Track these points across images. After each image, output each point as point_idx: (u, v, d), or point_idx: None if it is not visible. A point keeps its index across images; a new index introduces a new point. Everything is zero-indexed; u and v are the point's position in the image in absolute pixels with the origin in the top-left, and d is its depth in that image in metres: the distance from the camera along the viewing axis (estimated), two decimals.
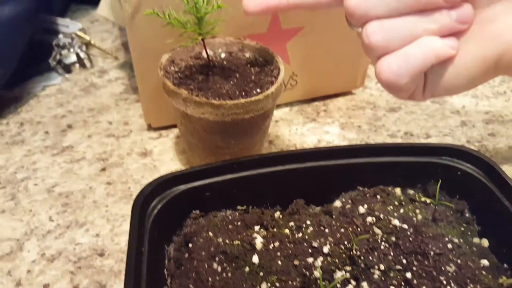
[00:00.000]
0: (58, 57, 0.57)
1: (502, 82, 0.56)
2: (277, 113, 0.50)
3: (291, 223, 0.33)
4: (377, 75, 0.27)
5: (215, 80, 0.37)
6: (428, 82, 0.28)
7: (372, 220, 0.33)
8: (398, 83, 0.26)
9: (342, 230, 0.32)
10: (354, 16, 0.26)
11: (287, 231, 0.32)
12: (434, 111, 0.51)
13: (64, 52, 0.57)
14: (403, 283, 0.29)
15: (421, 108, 0.51)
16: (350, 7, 0.26)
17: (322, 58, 0.48)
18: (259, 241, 0.31)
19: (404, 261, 0.30)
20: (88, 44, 0.60)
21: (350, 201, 0.35)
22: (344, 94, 0.53)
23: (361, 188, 0.36)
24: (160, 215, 0.31)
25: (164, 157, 0.44)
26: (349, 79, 0.52)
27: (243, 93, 0.36)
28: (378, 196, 0.35)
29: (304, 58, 0.48)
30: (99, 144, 0.46)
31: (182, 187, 0.32)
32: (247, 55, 0.41)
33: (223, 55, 0.40)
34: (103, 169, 0.43)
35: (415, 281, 0.29)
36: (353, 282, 0.29)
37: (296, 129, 0.48)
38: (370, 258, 0.30)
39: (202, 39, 0.35)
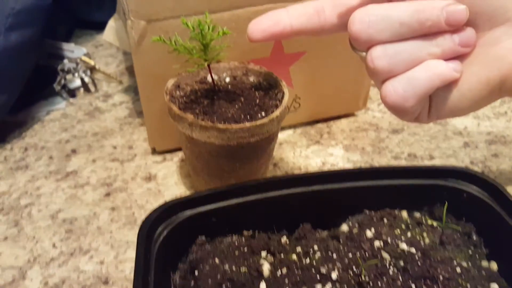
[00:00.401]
0: (62, 81, 0.57)
1: (502, 103, 0.56)
2: (281, 136, 0.50)
3: (298, 248, 0.33)
4: (383, 99, 0.27)
5: (220, 104, 0.37)
6: (433, 104, 0.28)
7: (380, 244, 0.33)
8: (404, 106, 0.26)
9: (350, 255, 0.32)
10: (358, 41, 0.26)
11: (294, 256, 0.32)
12: (436, 133, 0.51)
13: (69, 77, 0.57)
14: None
15: (423, 130, 0.51)
16: (354, 32, 0.26)
17: (325, 81, 0.49)
18: (266, 268, 0.30)
19: (413, 286, 0.30)
20: (92, 69, 0.61)
21: (357, 225, 0.34)
22: (346, 116, 0.54)
23: (367, 212, 0.35)
24: (165, 242, 0.31)
25: (169, 181, 0.44)
26: (351, 101, 0.52)
27: (248, 117, 0.36)
28: (385, 220, 0.35)
29: (307, 81, 0.48)
30: (104, 169, 0.46)
31: (188, 212, 0.32)
32: (252, 79, 0.41)
33: (227, 80, 0.41)
34: (107, 194, 0.43)
35: None
36: None
37: (300, 152, 0.48)
38: (379, 284, 0.30)
39: (208, 65, 0.36)
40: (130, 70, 0.63)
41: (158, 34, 0.38)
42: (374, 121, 0.53)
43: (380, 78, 0.27)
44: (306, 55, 0.46)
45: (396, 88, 0.26)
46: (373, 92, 0.59)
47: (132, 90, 0.59)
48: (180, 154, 0.48)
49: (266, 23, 0.30)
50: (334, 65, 0.48)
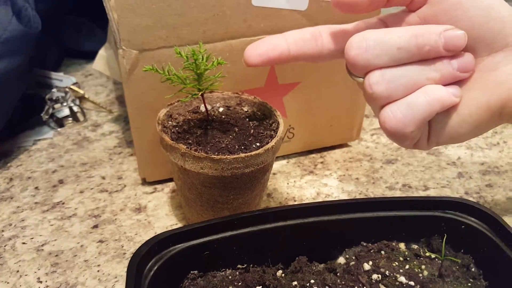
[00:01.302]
0: (50, 111, 0.57)
1: (494, 133, 0.57)
2: (275, 166, 0.50)
3: (295, 282, 0.32)
4: (382, 124, 0.27)
5: (213, 135, 0.37)
6: (432, 130, 0.28)
7: (378, 277, 0.32)
8: (403, 131, 0.26)
9: None
10: (356, 66, 0.27)
11: None
12: (430, 163, 0.51)
13: (57, 106, 0.57)
14: None
15: (417, 160, 0.52)
16: (351, 57, 0.27)
17: (319, 111, 0.49)
18: None
19: None
20: (82, 98, 0.60)
21: (354, 257, 0.34)
22: (340, 146, 0.54)
23: (364, 244, 0.35)
24: (156, 277, 0.30)
25: (159, 212, 0.44)
26: (345, 131, 0.52)
27: (243, 147, 0.36)
28: (383, 252, 0.35)
29: (301, 111, 0.48)
30: (91, 200, 0.45)
31: (179, 246, 0.32)
32: (246, 109, 0.41)
33: (221, 109, 0.41)
34: (95, 226, 0.42)
35: None
36: None
37: (294, 182, 0.48)
38: None
39: (201, 94, 0.36)
40: (121, 100, 0.63)
41: (150, 64, 0.39)
42: (368, 151, 0.54)
43: (379, 103, 0.27)
44: (300, 85, 0.46)
45: (395, 113, 0.26)
46: (366, 122, 0.60)
47: (122, 119, 0.59)
48: (171, 185, 0.47)
49: (264, 48, 0.30)
50: (328, 95, 0.48)
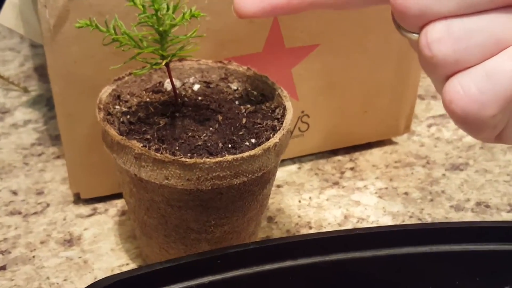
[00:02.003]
0: None
1: None
2: (280, 174, 0.50)
3: None
4: (447, 105, 0.27)
5: (185, 126, 0.37)
6: None
7: None
8: (480, 115, 0.26)
9: None
10: (406, 14, 0.27)
11: None
12: None
13: None
14: None
15: (499, 165, 0.52)
16: (400, 2, 0.26)
17: (346, 90, 0.49)
18: None
19: None
20: None
21: None
22: (380, 144, 0.54)
23: None
24: None
25: (101, 246, 0.44)
26: (387, 121, 0.52)
27: (230, 146, 0.36)
28: None
29: (319, 90, 0.48)
30: None
31: None
32: (234, 86, 0.41)
33: (196, 87, 0.41)
34: (2, 268, 0.42)
35: None
36: None
37: (310, 198, 0.48)
38: None
39: (167, 64, 0.36)
40: (41, 72, 0.63)
41: (86, 16, 0.38)
42: (423, 151, 0.53)
43: (442, 72, 0.27)
44: (318, 50, 0.46)
45: (467, 88, 0.26)
46: (421, 107, 0.60)
47: (44, 102, 0.58)
48: (120, 204, 0.47)
49: None
50: (361, 65, 0.48)
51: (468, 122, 0.27)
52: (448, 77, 0.27)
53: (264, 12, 0.31)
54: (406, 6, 0.26)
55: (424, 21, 0.27)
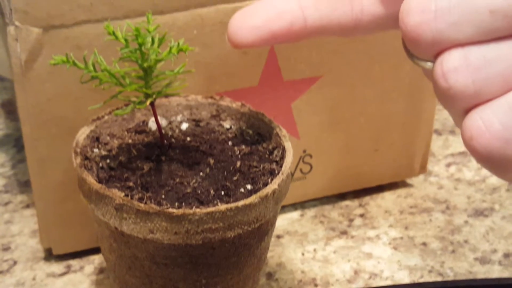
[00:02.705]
0: None
1: None
2: (280, 222, 0.50)
3: None
4: (467, 142, 0.27)
5: (172, 171, 0.37)
6: None
7: None
8: (505, 154, 0.26)
9: None
10: (421, 42, 0.27)
11: None
12: None
13: None
14: None
15: None
16: (412, 28, 0.27)
17: (352, 127, 0.50)
18: None
19: None
20: None
21: None
22: (393, 186, 0.54)
23: None
24: None
25: None
26: (400, 160, 0.53)
27: (223, 193, 0.36)
28: None
29: (323, 126, 0.49)
30: None
31: None
32: (227, 125, 0.42)
33: (185, 126, 0.41)
34: None
35: None
36: None
37: (315, 251, 0.48)
38: None
39: (152, 103, 0.36)
40: (9, 109, 0.63)
41: (62, 50, 0.39)
42: (442, 194, 0.54)
43: (461, 105, 0.27)
44: (320, 82, 0.47)
45: (490, 123, 0.26)
46: (438, 143, 0.60)
47: (12, 143, 0.59)
48: (98, 261, 0.47)
49: (262, 15, 0.31)
50: (369, 98, 0.49)
51: (492, 161, 0.27)
52: (468, 110, 0.27)
53: (261, 41, 0.31)
54: (419, 33, 0.27)
55: (439, 49, 0.27)
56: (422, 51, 0.28)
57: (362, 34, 0.32)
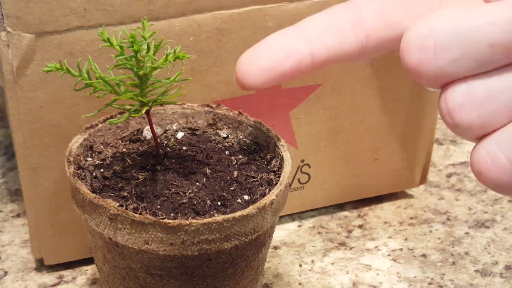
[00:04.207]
0: None
1: None
2: (278, 233, 0.50)
3: None
4: (477, 175, 0.28)
5: (167, 181, 0.37)
6: None
7: None
8: (510, 184, 0.27)
9: None
10: (423, 78, 0.28)
11: None
12: None
13: None
14: None
15: None
16: (413, 67, 0.28)
17: (352, 136, 0.50)
18: None
19: None
20: None
21: None
22: (393, 197, 0.54)
23: None
24: None
25: None
26: (400, 170, 0.53)
27: (219, 204, 0.36)
28: None
29: (321, 136, 0.49)
30: None
31: None
32: (224, 133, 0.42)
33: (180, 135, 0.41)
34: None
35: None
36: None
37: (312, 262, 0.48)
38: None
39: (147, 111, 0.36)
40: (0, 117, 0.63)
41: (55, 57, 0.39)
42: (442, 206, 0.54)
43: (468, 137, 0.28)
44: (319, 91, 0.47)
45: (495, 157, 0.27)
46: (438, 153, 0.61)
47: (2, 151, 0.59)
48: (91, 271, 0.47)
49: (270, 57, 0.31)
50: (368, 107, 0.49)
51: (503, 191, 0.28)
52: (476, 139, 0.28)
53: (271, 82, 0.32)
54: (420, 70, 0.27)
55: (442, 82, 0.28)
56: (426, 85, 0.28)
57: (369, 57, 0.33)
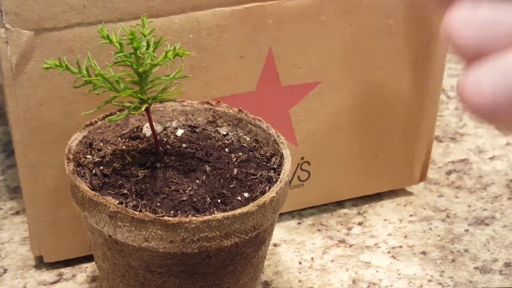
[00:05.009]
0: None
1: None
2: (277, 230, 0.50)
3: None
4: (459, 94, 0.28)
5: (167, 178, 0.38)
6: None
7: None
8: (492, 112, 0.27)
9: None
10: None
11: None
12: None
13: None
14: None
15: None
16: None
17: (351, 134, 0.50)
18: None
19: None
20: None
21: None
22: (393, 194, 0.54)
23: None
24: None
25: None
26: (400, 168, 0.53)
27: (219, 201, 0.36)
28: None
29: (321, 133, 0.49)
30: None
31: None
32: (224, 131, 0.42)
33: (180, 132, 0.41)
34: None
35: None
36: None
37: (312, 259, 0.48)
38: None
39: (146, 109, 0.36)
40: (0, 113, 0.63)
41: (55, 54, 0.39)
42: (442, 203, 0.54)
43: (462, 54, 0.28)
44: (318, 88, 0.47)
45: (480, 81, 0.27)
46: (438, 150, 0.61)
47: (1, 148, 0.59)
48: (89, 268, 0.47)
49: None
50: (368, 104, 0.49)
51: (480, 116, 0.28)
52: (469, 61, 0.28)
53: None
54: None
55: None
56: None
57: None
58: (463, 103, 0.28)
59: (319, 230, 0.51)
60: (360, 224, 0.52)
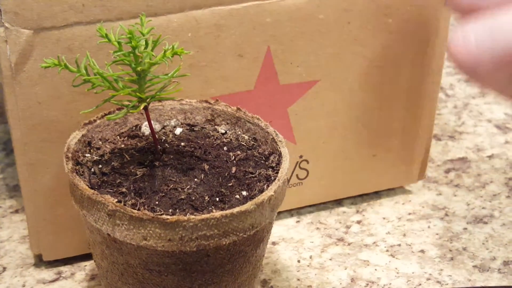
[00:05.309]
0: None
1: None
2: (276, 229, 0.50)
3: None
4: (448, 49, 0.29)
5: (166, 177, 0.38)
6: None
7: None
8: (475, 68, 0.28)
9: None
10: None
11: None
12: None
13: None
14: None
15: None
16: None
17: (350, 132, 0.50)
18: None
19: None
20: None
21: None
22: (391, 192, 0.54)
23: None
24: None
25: None
26: (399, 166, 0.53)
27: (218, 200, 0.36)
28: None
29: (319, 132, 0.49)
30: None
31: None
32: (222, 129, 0.42)
33: (179, 131, 0.41)
34: None
35: None
36: None
37: (311, 258, 0.48)
38: None
39: (145, 107, 0.36)
40: None
41: (54, 53, 0.39)
42: (441, 201, 0.54)
43: (455, 8, 0.29)
44: (317, 87, 0.47)
45: (468, 37, 0.28)
46: (437, 149, 0.61)
47: (0, 146, 0.59)
48: (88, 266, 0.47)
49: None
50: (366, 102, 0.49)
51: (465, 72, 0.28)
52: (463, 16, 0.29)
53: None
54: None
55: None
56: None
57: None
58: (450, 56, 0.28)
59: (317, 228, 0.51)
60: (358, 222, 0.52)
